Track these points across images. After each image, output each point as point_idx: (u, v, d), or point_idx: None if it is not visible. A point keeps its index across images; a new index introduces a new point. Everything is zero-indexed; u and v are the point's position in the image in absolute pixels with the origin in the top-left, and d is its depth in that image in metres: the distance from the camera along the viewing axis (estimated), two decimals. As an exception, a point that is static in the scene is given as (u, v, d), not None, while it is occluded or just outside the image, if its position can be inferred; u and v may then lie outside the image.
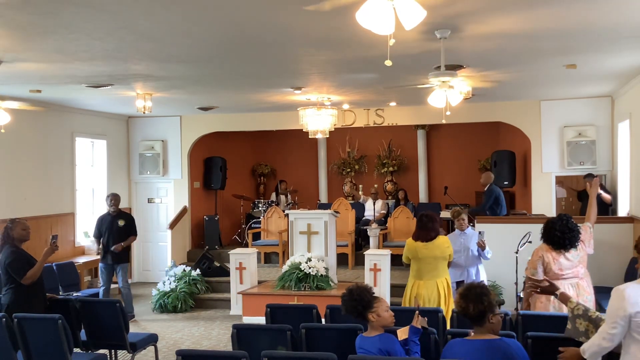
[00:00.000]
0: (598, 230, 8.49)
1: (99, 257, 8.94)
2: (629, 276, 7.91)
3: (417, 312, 4.11)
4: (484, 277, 7.02)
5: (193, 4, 4.52)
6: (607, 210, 9.54)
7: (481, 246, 6.71)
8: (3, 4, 4.41)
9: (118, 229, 8.73)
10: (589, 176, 9.64)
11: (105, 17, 4.78)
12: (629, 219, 8.58)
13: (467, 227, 6.97)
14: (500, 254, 8.43)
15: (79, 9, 4.56)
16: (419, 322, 3.99)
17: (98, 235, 8.80)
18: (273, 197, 13.66)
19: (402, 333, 3.98)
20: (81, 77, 7.34)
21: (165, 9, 4.63)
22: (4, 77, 7.09)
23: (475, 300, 3.41)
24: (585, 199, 9.71)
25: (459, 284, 6.72)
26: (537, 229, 7.93)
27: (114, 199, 8.82)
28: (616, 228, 8.56)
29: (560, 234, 5.08)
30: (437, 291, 5.91)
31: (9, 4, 4.42)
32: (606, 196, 9.37)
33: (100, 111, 10.98)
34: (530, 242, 7.22)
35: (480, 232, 6.80)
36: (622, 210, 9.32)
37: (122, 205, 10.18)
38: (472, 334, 3.52)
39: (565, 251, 5.09)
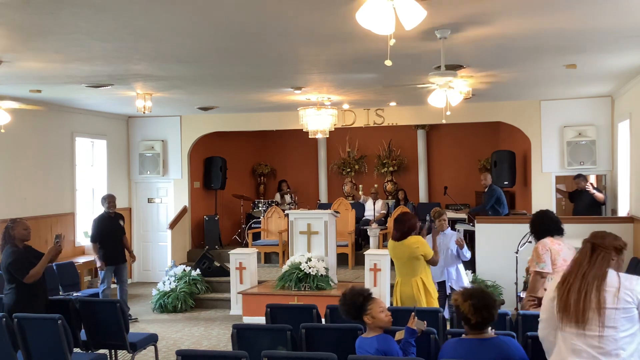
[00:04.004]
0: (598, 230, 8.55)
1: (97, 263, 8.67)
2: (629, 276, 7.91)
3: (412, 313, 4.12)
4: (465, 278, 7.00)
5: (193, 4, 4.52)
6: (600, 209, 9.56)
7: (459, 244, 6.71)
8: (3, 4, 4.41)
9: (120, 229, 8.79)
10: (579, 177, 9.66)
11: (105, 17, 4.78)
12: (629, 219, 8.58)
13: (447, 227, 6.97)
14: (500, 254, 8.46)
15: (79, 9, 4.56)
16: (414, 323, 4.00)
17: (99, 238, 8.62)
18: (277, 197, 13.67)
19: (400, 334, 4.01)
20: (81, 77, 7.34)
21: (165, 9, 4.63)
22: (4, 77, 7.09)
23: (488, 311, 3.42)
24: (577, 199, 9.76)
25: (440, 284, 6.73)
26: (537, 229, 7.92)
27: (112, 200, 8.82)
28: (616, 228, 8.52)
29: (556, 219, 5.22)
30: (412, 290, 5.87)
31: (9, 4, 4.42)
32: (599, 195, 9.40)
33: (100, 111, 10.98)
34: (530, 242, 7.23)
35: (458, 231, 6.85)
36: (622, 210, 9.32)
37: (123, 205, 10.23)
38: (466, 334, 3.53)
39: (561, 237, 5.19)
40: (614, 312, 2.85)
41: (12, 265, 5.49)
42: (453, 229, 7.96)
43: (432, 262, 5.99)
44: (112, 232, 8.66)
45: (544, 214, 5.32)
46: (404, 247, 5.90)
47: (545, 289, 4.88)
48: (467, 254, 6.82)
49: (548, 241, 5.13)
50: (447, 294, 6.75)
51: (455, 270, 6.84)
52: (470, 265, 9.22)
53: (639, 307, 2.85)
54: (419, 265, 5.89)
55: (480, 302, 3.40)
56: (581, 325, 2.88)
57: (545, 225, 5.17)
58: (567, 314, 2.92)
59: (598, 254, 2.95)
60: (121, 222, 8.86)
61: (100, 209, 9.07)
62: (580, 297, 2.88)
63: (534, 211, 10.18)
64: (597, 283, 2.88)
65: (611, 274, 2.92)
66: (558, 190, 10.46)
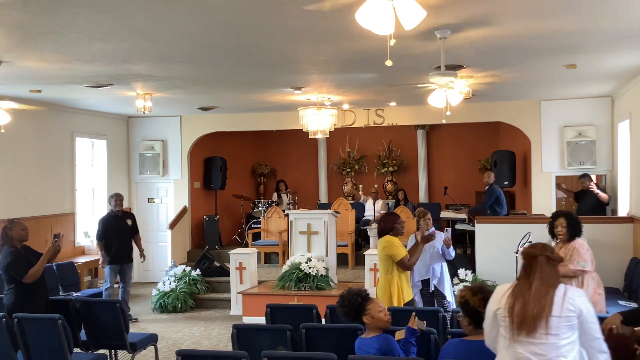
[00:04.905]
0: (598, 230, 8.57)
1: (99, 259, 8.74)
2: (629, 276, 7.91)
3: (413, 313, 4.12)
4: (447, 277, 7.01)
5: (193, 4, 4.52)
6: (604, 209, 9.55)
7: (447, 244, 6.74)
8: (3, 4, 4.41)
9: (127, 229, 8.75)
10: (585, 176, 9.65)
11: (105, 17, 4.79)
12: (629, 219, 8.58)
13: (432, 227, 6.96)
14: (500, 254, 8.46)
15: (79, 9, 4.56)
16: (415, 323, 4.00)
17: (104, 237, 8.62)
18: (275, 197, 13.67)
19: (400, 334, 4.01)
20: (81, 77, 7.34)
21: (166, 9, 4.63)
22: (4, 77, 7.09)
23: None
24: (582, 199, 9.76)
25: (424, 282, 6.74)
26: (537, 229, 7.98)
27: (119, 199, 8.78)
28: (616, 228, 8.57)
29: None
30: (379, 290, 5.87)
31: (9, 4, 4.42)
32: (603, 195, 9.39)
33: (100, 111, 10.98)
34: (530, 242, 7.23)
35: (446, 230, 6.91)
36: (622, 210, 9.32)
37: (123, 205, 10.19)
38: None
39: None
40: (558, 320, 2.95)
41: (11, 265, 5.49)
42: (448, 229, 7.99)
43: (401, 264, 5.70)
44: (117, 231, 8.62)
45: (576, 216, 5.55)
46: (379, 245, 5.96)
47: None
48: (452, 253, 6.87)
49: (582, 241, 5.27)
50: (431, 291, 6.77)
51: (439, 269, 6.86)
52: (470, 265, 9.22)
53: (579, 316, 2.97)
54: (388, 266, 5.79)
55: (489, 296, 3.38)
56: (530, 334, 2.96)
57: (581, 226, 5.42)
58: (517, 322, 2.99)
59: (552, 267, 3.08)
60: (128, 222, 8.80)
61: (106, 208, 9.04)
62: (533, 306, 2.98)
63: (534, 211, 10.29)
64: (551, 292, 3.00)
65: (560, 285, 3.07)
66: (560, 188, 10.45)
